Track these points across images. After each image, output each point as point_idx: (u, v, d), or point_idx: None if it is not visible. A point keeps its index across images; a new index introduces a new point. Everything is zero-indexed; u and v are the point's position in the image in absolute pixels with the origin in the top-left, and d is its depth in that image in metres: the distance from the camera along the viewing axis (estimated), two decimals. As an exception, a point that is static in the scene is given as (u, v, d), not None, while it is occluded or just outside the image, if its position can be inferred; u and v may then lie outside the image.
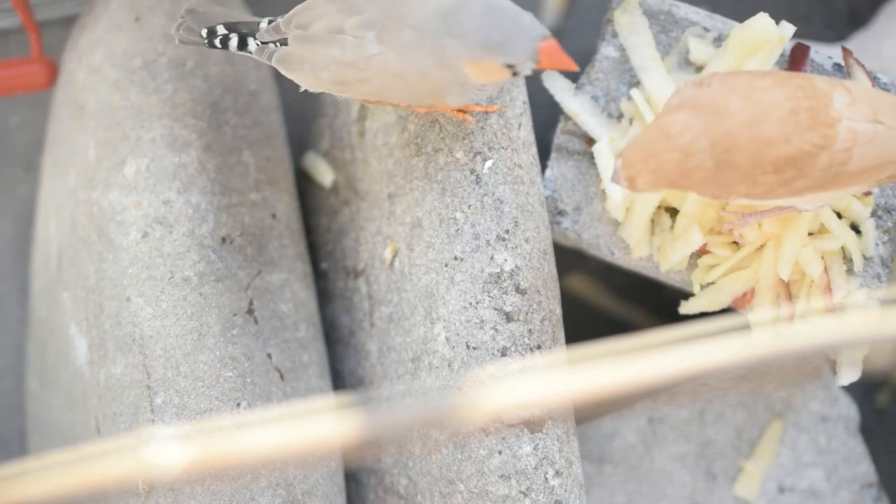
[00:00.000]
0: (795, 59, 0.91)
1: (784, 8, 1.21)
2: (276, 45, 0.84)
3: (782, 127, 0.77)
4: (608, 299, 1.21)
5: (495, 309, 0.85)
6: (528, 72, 0.77)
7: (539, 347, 0.85)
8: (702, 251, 0.90)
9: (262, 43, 0.84)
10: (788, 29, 0.90)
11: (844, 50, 0.89)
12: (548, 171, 0.93)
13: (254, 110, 0.97)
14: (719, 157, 0.77)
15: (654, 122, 0.78)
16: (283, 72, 0.84)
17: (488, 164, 0.86)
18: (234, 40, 0.85)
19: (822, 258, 0.88)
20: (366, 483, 0.96)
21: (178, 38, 0.86)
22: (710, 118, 0.77)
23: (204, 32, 0.85)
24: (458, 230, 0.87)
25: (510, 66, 0.77)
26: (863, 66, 0.90)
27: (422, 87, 0.80)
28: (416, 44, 0.78)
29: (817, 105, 0.78)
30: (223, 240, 0.92)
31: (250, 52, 0.85)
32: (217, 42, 0.85)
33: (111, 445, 0.57)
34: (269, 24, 0.84)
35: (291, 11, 0.83)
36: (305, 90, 0.85)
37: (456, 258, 0.86)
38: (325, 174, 1.01)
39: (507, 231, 0.86)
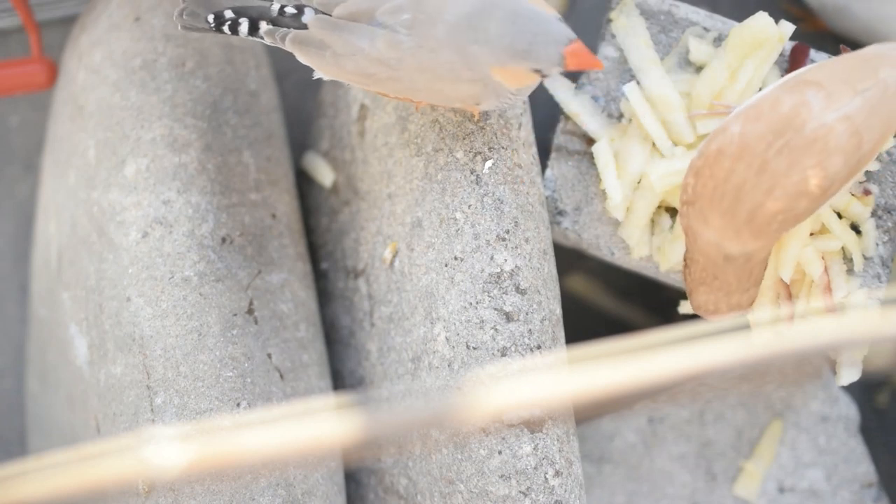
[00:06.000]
0: (795, 60, 0.91)
1: (784, 7, 1.21)
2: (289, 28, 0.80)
3: (776, 177, 0.78)
4: (608, 299, 1.21)
5: (495, 309, 0.85)
6: (555, 74, 0.77)
7: (539, 347, 0.85)
8: None
9: (276, 26, 0.81)
10: (788, 28, 0.90)
11: (844, 49, 0.89)
12: (548, 171, 0.93)
13: (254, 110, 0.97)
14: (758, 234, 0.79)
15: (701, 258, 0.81)
16: (298, 56, 0.81)
17: (488, 164, 0.86)
18: (244, 25, 0.81)
19: (823, 258, 0.88)
20: (366, 483, 0.96)
21: (180, 24, 0.82)
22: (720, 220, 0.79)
23: (210, 18, 0.82)
24: (458, 230, 0.86)
25: (538, 71, 0.76)
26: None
27: (455, 91, 0.79)
28: (450, 41, 0.77)
29: (791, 135, 0.78)
30: (223, 240, 0.92)
31: (262, 38, 0.81)
32: (226, 28, 0.81)
33: (111, 445, 0.57)
34: (280, 7, 0.81)
35: None
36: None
37: (456, 258, 0.86)
38: (325, 174, 1.01)
39: (507, 231, 0.86)
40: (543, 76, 0.77)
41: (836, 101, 0.78)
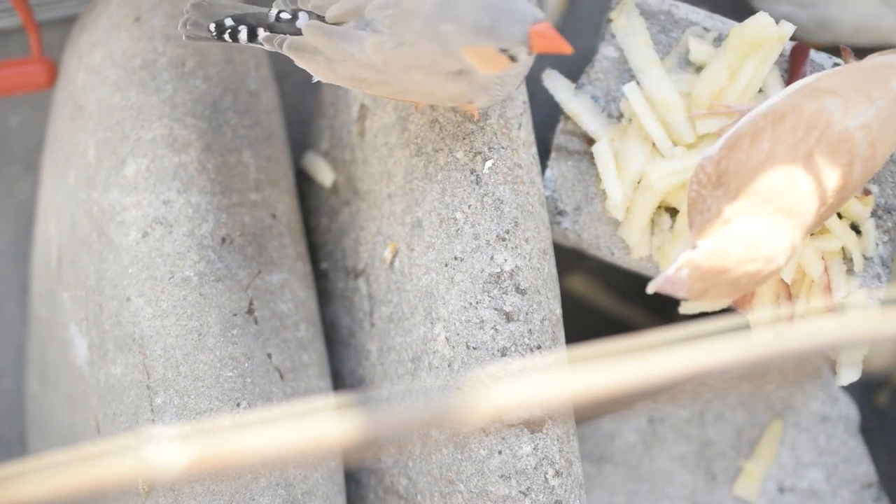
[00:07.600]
0: (795, 60, 0.91)
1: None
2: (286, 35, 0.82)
3: (812, 172, 0.76)
4: (608, 299, 1.21)
5: (495, 309, 0.85)
6: (524, 56, 0.76)
7: (539, 347, 0.85)
8: None
9: (273, 32, 0.82)
10: (788, 28, 0.90)
11: (844, 49, 0.89)
12: (548, 171, 0.93)
13: (254, 110, 0.97)
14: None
15: (716, 239, 0.75)
16: (296, 60, 0.82)
17: (488, 164, 0.86)
18: (243, 32, 0.83)
19: (823, 258, 0.88)
20: (366, 483, 0.96)
21: (184, 34, 0.84)
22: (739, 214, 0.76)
23: (212, 27, 0.83)
24: (458, 230, 0.87)
25: (504, 51, 0.75)
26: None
27: (443, 90, 0.79)
28: (426, 29, 0.77)
29: (822, 130, 0.77)
30: (223, 240, 0.92)
31: (261, 44, 0.83)
32: (226, 36, 0.83)
33: (111, 445, 0.57)
34: (277, 13, 0.82)
35: None
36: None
37: (456, 258, 0.86)
38: (325, 174, 1.01)
39: (507, 231, 0.86)
40: (512, 57, 0.76)
41: (853, 108, 0.77)
